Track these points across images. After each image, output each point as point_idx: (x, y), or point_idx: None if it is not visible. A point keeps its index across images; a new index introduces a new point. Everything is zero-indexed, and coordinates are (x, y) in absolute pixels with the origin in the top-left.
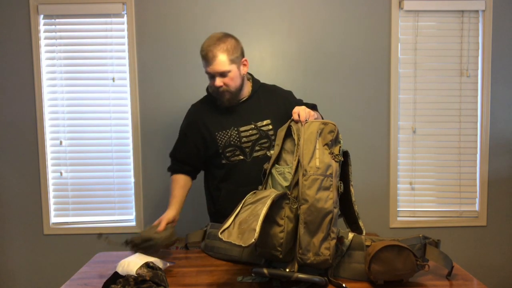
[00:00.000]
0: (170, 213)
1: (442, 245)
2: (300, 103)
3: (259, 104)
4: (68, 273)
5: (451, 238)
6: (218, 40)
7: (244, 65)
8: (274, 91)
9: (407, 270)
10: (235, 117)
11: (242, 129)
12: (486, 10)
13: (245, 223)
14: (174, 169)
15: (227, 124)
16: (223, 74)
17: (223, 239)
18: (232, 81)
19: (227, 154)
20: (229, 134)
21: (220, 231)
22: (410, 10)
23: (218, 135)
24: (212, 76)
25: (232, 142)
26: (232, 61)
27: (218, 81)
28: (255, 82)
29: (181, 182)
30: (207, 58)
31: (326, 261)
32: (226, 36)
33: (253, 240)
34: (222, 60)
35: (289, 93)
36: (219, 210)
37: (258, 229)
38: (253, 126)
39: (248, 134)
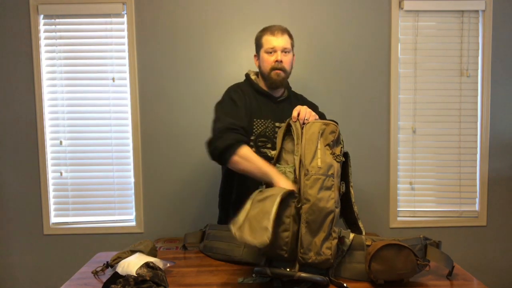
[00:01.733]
0: (287, 182)
1: (442, 245)
2: (322, 117)
3: (291, 107)
4: (68, 273)
5: (451, 238)
6: (282, 27)
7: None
8: (303, 100)
9: (407, 270)
10: (272, 111)
11: (277, 124)
12: (486, 10)
13: (255, 221)
14: (239, 140)
15: (266, 115)
16: (284, 51)
17: (237, 238)
18: (289, 63)
19: (259, 144)
20: (265, 124)
21: (234, 230)
22: (410, 10)
23: (256, 122)
24: (273, 51)
25: (267, 133)
26: (292, 45)
27: (280, 55)
28: (288, 86)
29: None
30: (275, 32)
31: (328, 261)
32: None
33: (267, 239)
34: (287, 39)
35: (316, 106)
36: (241, 193)
37: (270, 228)
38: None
39: None
